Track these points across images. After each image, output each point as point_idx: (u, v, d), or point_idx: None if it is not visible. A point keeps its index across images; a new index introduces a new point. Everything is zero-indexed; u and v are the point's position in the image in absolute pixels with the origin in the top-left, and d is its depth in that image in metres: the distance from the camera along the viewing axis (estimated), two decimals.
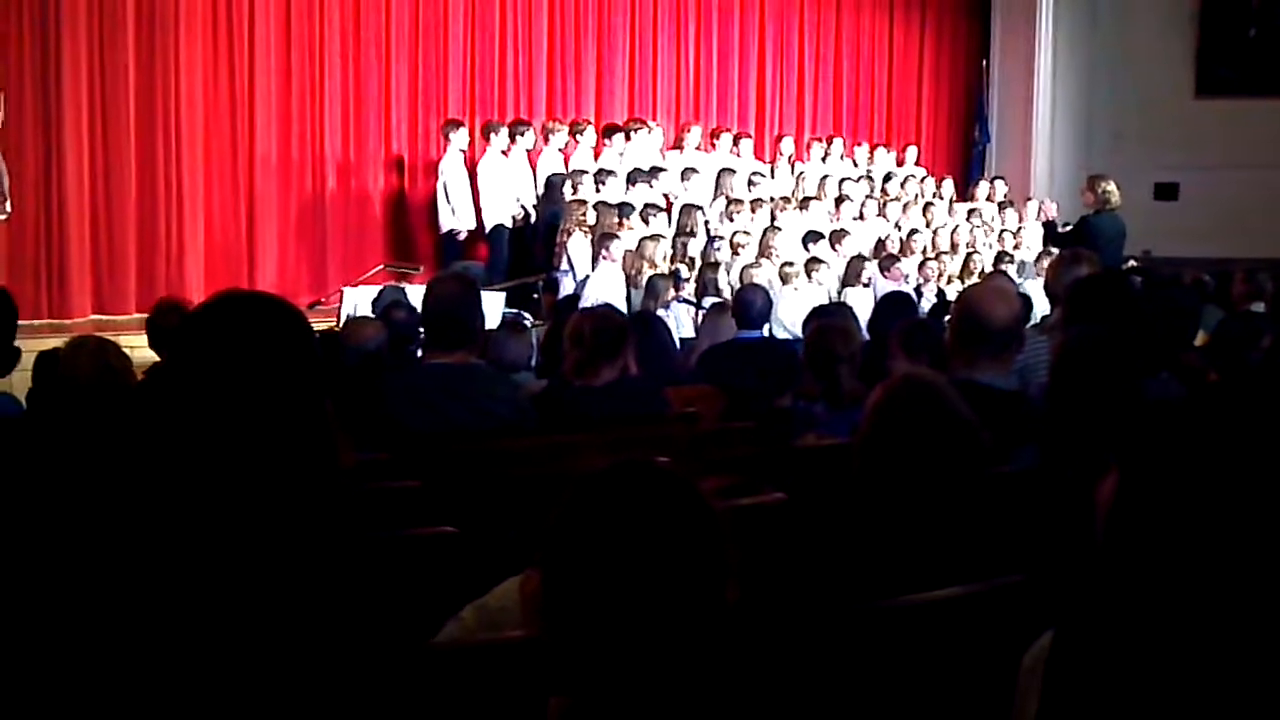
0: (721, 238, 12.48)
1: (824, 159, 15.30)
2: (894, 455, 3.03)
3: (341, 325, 8.60)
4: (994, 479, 3.20)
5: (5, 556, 2.25)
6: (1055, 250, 11.73)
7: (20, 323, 10.60)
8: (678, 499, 1.69)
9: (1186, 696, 1.41)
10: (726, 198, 13.31)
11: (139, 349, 6.66)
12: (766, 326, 8.09)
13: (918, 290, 12.64)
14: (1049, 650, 1.63)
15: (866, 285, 12.39)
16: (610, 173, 12.73)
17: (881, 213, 14.48)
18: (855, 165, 15.57)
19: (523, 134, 13.10)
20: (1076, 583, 1.60)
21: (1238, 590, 1.42)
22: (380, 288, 10.05)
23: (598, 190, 12.43)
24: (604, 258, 11.29)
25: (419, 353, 6.66)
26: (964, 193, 16.01)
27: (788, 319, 10.74)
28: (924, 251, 13.76)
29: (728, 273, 11.76)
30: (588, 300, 10.28)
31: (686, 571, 1.64)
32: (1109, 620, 1.50)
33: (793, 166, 15.03)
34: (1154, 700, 1.43)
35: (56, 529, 2.44)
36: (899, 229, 14.13)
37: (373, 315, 8.13)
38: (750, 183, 13.86)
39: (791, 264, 11.96)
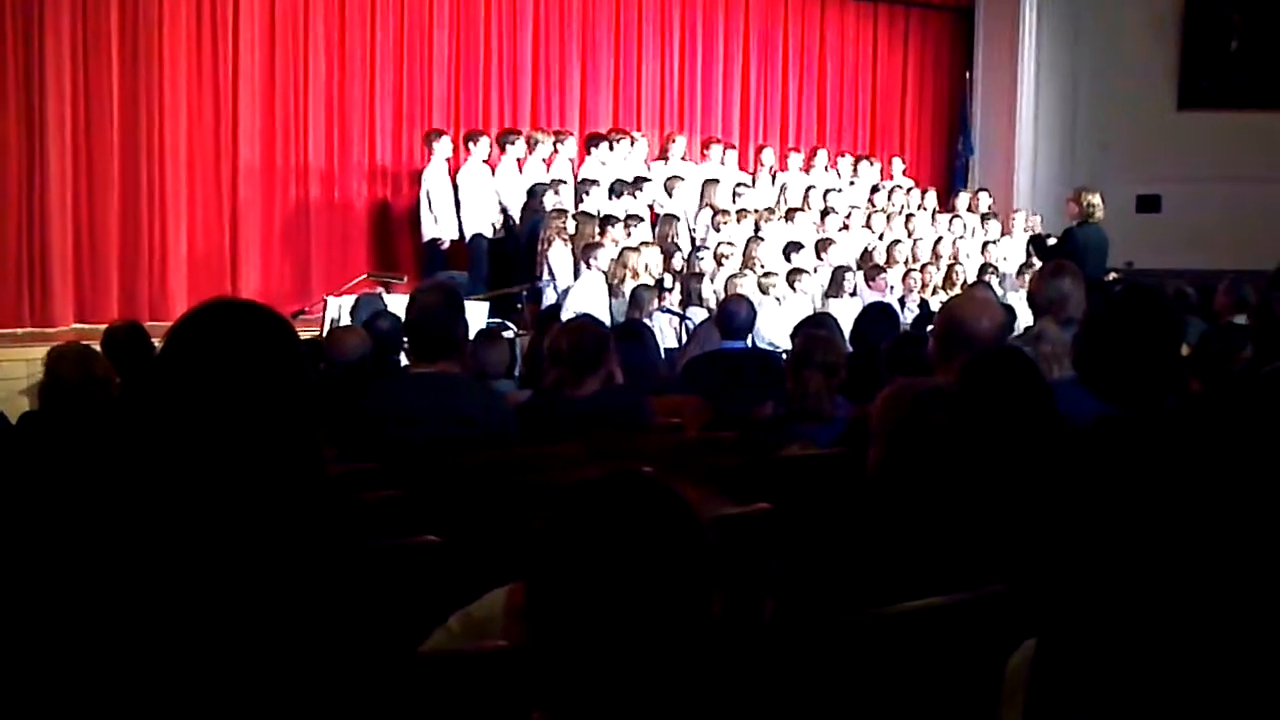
0: (706, 248, 12.50)
1: (805, 170, 15.35)
2: (916, 462, 3.01)
3: (325, 334, 8.59)
4: (994, 486, 3.21)
5: None
6: (1039, 262, 11.79)
7: (2, 331, 10.68)
8: (664, 509, 1.68)
9: (1170, 701, 1.42)
10: (712, 208, 13.34)
11: None
12: (750, 337, 8.09)
13: (901, 301, 12.68)
14: (1033, 657, 1.64)
15: (852, 295, 12.41)
16: (594, 182, 12.73)
17: (867, 224, 14.53)
18: (839, 176, 15.61)
19: (512, 143, 13.09)
20: (1058, 590, 1.60)
21: (1218, 594, 1.43)
22: (355, 297, 10.06)
23: (580, 200, 12.43)
24: (589, 267, 11.30)
25: (403, 362, 6.67)
26: (947, 204, 16.07)
27: (767, 330, 10.74)
28: (906, 262, 13.80)
29: (712, 283, 11.77)
30: (570, 311, 10.28)
31: (672, 582, 1.63)
32: (1091, 626, 1.50)
33: (774, 177, 15.07)
34: (1138, 705, 1.43)
35: (43, 536, 2.43)
36: (882, 239, 14.18)
37: (355, 324, 8.12)
38: (735, 193, 13.89)
39: (770, 275, 11.97)
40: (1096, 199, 10.99)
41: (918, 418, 3.03)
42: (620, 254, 11.51)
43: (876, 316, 7.84)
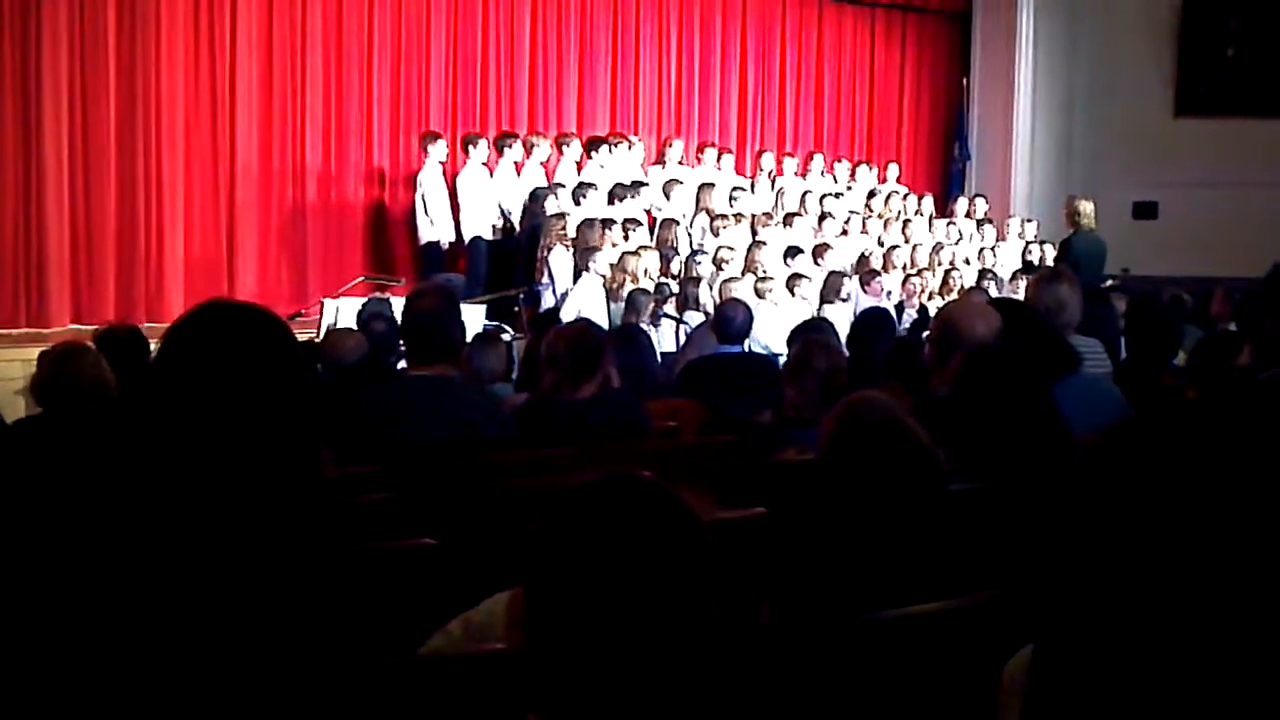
0: (705, 252, 12.50)
1: (801, 175, 15.35)
2: (847, 475, 3.10)
3: (322, 337, 8.58)
4: (954, 496, 3.25)
5: None
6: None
7: None
8: (662, 512, 1.68)
9: (1169, 707, 1.42)
10: (708, 212, 13.35)
11: None
12: (747, 341, 8.08)
13: (900, 307, 12.68)
14: (1031, 662, 1.64)
15: (846, 300, 12.40)
16: (591, 186, 12.73)
17: (864, 229, 14.54)
18: (835, 181, 15.62)
19: (510, 146, 13.10)
20: (1054, 596, 1.61)
21: (1216, 598, 1.43)
22: (365, 299, 10.03)
23: (577, 204, 12.44)
24: (588, 271, 11.30)
25: (399, 365, 6.66)
26: (944, 210, 16.08)
27: (763, 335, 10.73)
28: (904, 268, 13.81)
29: (710, 287, 11.76)
30: (568, 314, 10.28)
31: (671, 586, 1.63)
32: (1088, 632, 1.50)
33: (773, 182, 15.08)
34: (1136, 711, 1.43)
35: (42, 537, 2.43)
36: (882, 245, 14.19)
37: (354, 327, 8.12)
38: (731, 198, 13.90)
39: (766, 280, 11.96)
40: (1084, 207, 11.00)
41: (845, 432, 3.12)
42: (620, 259, 11.50)
43: (873, 322, 7.84)
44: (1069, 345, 4.77)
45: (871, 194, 15.44)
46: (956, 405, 3.79)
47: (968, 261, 14.56)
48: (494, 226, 12.88)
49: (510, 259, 12.80)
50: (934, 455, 3.15)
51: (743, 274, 11.99)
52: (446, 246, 12.85)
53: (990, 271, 14.04)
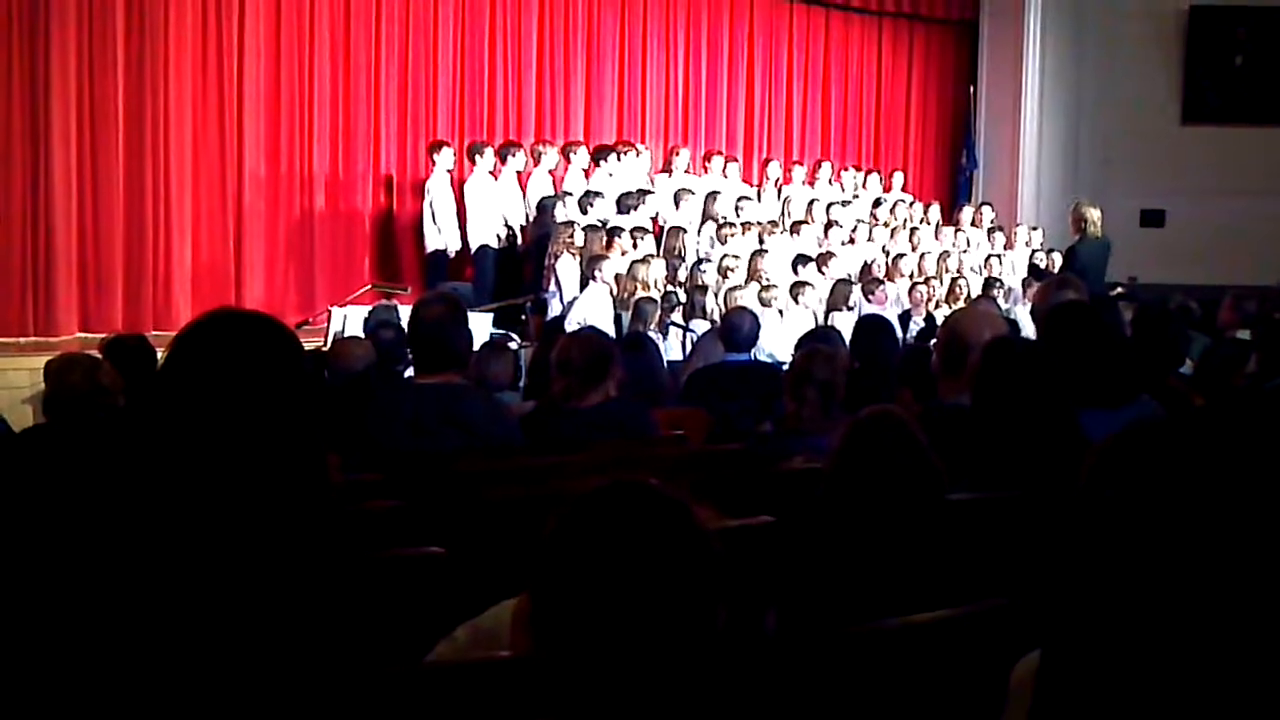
0: (709, 260, 12.50)
1: (809, 183, 15.36)
2: (853, 485, 3.14)
3: (329, 345, 8.59)
4: (958, 505, 3.26)
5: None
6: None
7: (6, 340, 10.67)
8: (670, 520, 1.69)
9: (1176, 713, 1.42)
10: (714, 220, 13.35)
11: None
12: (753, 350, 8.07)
13: (907, 315, 12.67)
14: (1038, 668, 1.64)
15: (852, 309, 12.39)
16: (598, 195, 12.75)
17: (870, 237, 14.53)
18: (843, 190, 15.62)
19: (513, 155, 13.12)
20: (1062, 602, 1.61)
21: (1224, 605, 1.43)
22: (372, 307, 10.04)
23: (584, 213, 12.45)
24: (594, 280, 11.30)
25: (407, 373, 6.67)
26: (951, 218, 16.07)
27: (768, 343, 10.71)
28: (911, 276, 13.80)
29: (715, 296, 11.76)
30: (574, 322, 10.28)
31: (678, 593, 1.64)
32: (1096, 638, 1.50)
33: (779, 191, 15.08)
34: (1144, 717, 1.44)
35: (49, 546, 2.44)
36: (886, 254, 14.18)
37: (361, 335, 8.13)
38: (737, 207, 13.90)
39: (770, 288, 11.95)
40: (1089, 214, 10.99)
41: (860, 443, 3.20)
42: (629, 268, 11.51)
43: (874, 329, 7.80)
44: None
45: (877, 202, 15.44)
46: (973, 406, 3.80)
47: (973, 270, 14.55)
48: (499, 235, 12.90)
49: (516, 267, 12.81)
50: (937, 467, 3.17)
51: (746, 282, 11.98)
52: (453, 255, 12.88)
53: (997, 279, 14.03)
